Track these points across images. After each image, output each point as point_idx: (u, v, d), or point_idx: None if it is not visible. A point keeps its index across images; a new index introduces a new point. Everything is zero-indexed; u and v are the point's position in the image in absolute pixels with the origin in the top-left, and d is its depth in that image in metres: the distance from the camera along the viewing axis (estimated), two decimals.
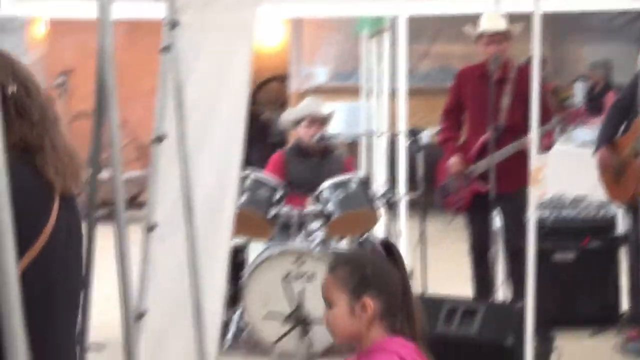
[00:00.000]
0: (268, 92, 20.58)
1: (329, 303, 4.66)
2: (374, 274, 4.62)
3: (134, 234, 5.90)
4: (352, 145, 15.26)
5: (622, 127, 8.74)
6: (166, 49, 7.22)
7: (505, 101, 8.70)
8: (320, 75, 19.41)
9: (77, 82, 17.03)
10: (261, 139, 16.24)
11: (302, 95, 17.60)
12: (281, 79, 20.60)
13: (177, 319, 7.28)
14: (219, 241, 7.40)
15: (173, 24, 7.25)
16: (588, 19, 15.50)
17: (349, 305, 4.54)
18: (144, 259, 7.17)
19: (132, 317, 6.30)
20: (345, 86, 17.44)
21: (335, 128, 13.60)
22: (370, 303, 4.51)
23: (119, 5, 10.05)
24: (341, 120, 15.24)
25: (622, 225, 9.27)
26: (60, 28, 17.07)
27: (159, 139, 7.16)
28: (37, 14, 14.38)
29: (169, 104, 7.11)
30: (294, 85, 19.56)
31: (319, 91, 17.88)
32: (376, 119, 13.69)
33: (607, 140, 8.72)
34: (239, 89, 7.46)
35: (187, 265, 7.06)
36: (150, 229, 7.17)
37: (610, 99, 9.35)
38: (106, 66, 4.40)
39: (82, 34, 14.67)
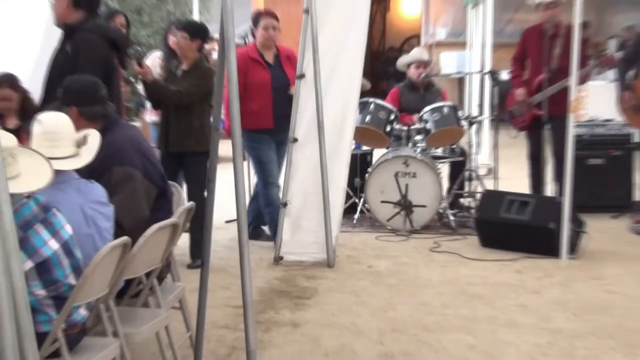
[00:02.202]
0: (410, 45, 18.98)
1: None
2: None
3: None
4: (461, 80, 15.11)
5: (633, 73, 8.05)
6: (306, 11, 6.57)
7: (556, 51, 7.87)
8: (441, 33, 18.51)
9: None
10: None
11: (430, 47, 17.64)
12: (417, 36, 19.92)
13: (310, 206, 6.64)
14: (341, 151, 6.68)
15: None
16: None
17: None
18: (287, 163, 6.74)
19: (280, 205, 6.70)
20: (457, 41, 16.51)
21: (449, 69, 14.73)
22: None
23: None
24: (454, 64, 15.26)
25: (636, 138, 8.62)
26: None
27: (300, 77, 6.66)
28: None
29: (308, 51, 6.54)
30: (424, 40, 18.92)
31: (440, 45, 17.94)
32: (474, 63, 12.64)
33: (625, 86, 8.12)
34: (358, 41, 6.64)
35: (318, 168, 6.53)
36: (293, 141, 6.69)
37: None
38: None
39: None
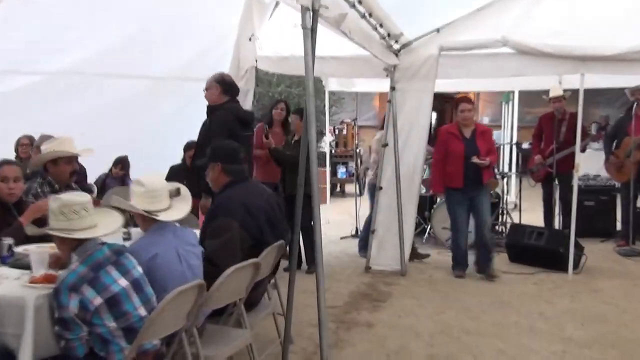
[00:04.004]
0: None
1: None
2: None
3: None
4: (497, 149, 13.87)
5: (614, 145, 7.78)
6: (389, 101, 6.40)
7: (563, 130, 7.59)
8: (485, 120, 16.87)
9: None
10: None
11: None
12: None
13: (390, 232, 6.31)
14: (411, 194, 6.34)
15: (393, 88, 6.39)
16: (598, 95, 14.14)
17: None
18: (375, 203, 6.47)
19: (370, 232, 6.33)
20: (495, 124, 14.86)
21: None
22: None
23: (360, 81, 8.97)
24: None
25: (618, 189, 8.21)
26: None
27: (385, 145, 6.39)
28: None
29: (390, 128, 6.34)
30: None
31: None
32: (506, 138, 12.07)
33: (609, 152, 7.84)
34: (423, 120, 6.38)
35: (395, 206, 6.26)
36: (380, 189, 6.40)
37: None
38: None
39: None
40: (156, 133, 6.45)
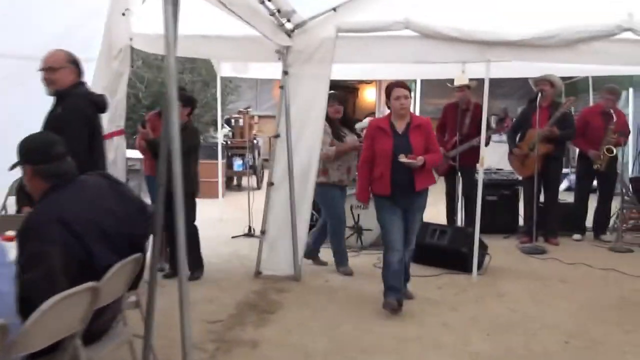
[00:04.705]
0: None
1: None
2: None
3: None
4: None
5: (518, 137, 7.45)
6: (281, 87, 5.71)
7: (466, 121, 7.32)
8: (386, 111, 16.32)
9: None
10: None
11: None
12: (373, 112, 17.97)
13: (282, 233, 5.67)
14: (306, 192, 5.66)
15: (286, 72, 5.71)
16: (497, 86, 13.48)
17: None
18: (266, 201, 5.77)
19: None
20: None
21: None
22: None
23: (255, 66, 8.28)
24: None
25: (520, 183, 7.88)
26: None
27: (277, 136, 5.75)
28: None
29: (282, 117, 5.66)
30: (377, 115, 17.40)
31: None
32: None
33: (513, 145, 7.46)
34: (319, 110, 5.64)
35: (288, 205, 5.64)
36: (270, 184, 5.74)
37: (507, 122, 7.75)
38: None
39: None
40: (10, 124, 5.55)
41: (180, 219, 2.86)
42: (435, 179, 5.01)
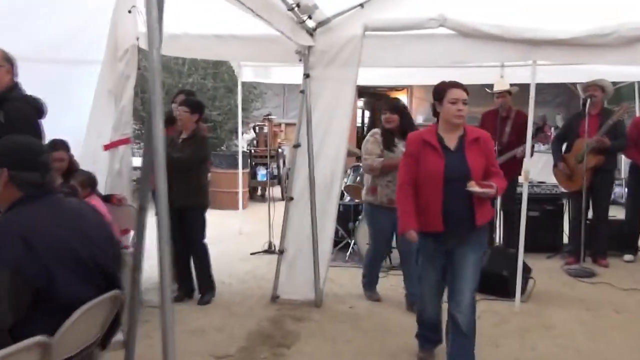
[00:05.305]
0: None
1: None
2: None
3: None
4: None
5: (564, 148, 6.77)
6: (302, 91, 5.17)
7: (507, 130, 6.73)
8: (419, 119, 14.02)
9: None
10: None
11: None
12: None
13: (303, 252, 5.11)
14: (329, 207, 5.11)
15: (307, 76, 5.16)
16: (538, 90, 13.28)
17: None
18: (284, 217, 5.21)
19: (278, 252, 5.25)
20: (429, 123, 13.94)
21: None
22: None
23: (279, 71, 7.79)
24: None
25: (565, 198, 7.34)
26: None
27: (297, 146, 5.18)
28: None
29: (303, 125, 5.10)
30: None
31: (418, 126, 15.86)
32: None
33: (559, 158, 6.77)
34: (343, 117, 5.10)
35: (309, 221, 5.07)
36: (289, 199, 5.17)
37: (546, 131, 6.82)
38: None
39: None
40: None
41: (164, 240, 2.37)
42: (493, 210, 4.18)
